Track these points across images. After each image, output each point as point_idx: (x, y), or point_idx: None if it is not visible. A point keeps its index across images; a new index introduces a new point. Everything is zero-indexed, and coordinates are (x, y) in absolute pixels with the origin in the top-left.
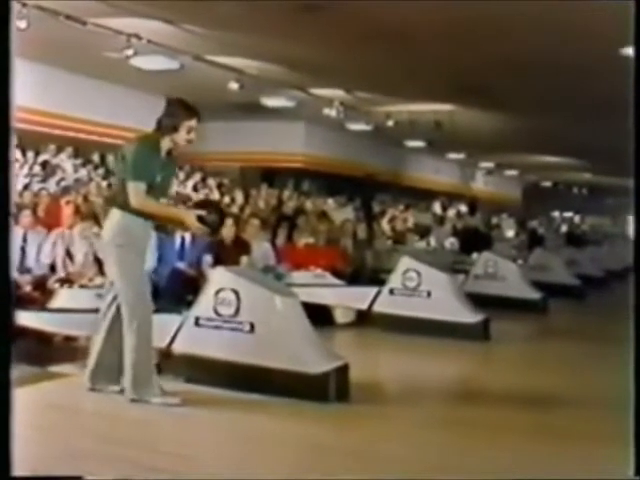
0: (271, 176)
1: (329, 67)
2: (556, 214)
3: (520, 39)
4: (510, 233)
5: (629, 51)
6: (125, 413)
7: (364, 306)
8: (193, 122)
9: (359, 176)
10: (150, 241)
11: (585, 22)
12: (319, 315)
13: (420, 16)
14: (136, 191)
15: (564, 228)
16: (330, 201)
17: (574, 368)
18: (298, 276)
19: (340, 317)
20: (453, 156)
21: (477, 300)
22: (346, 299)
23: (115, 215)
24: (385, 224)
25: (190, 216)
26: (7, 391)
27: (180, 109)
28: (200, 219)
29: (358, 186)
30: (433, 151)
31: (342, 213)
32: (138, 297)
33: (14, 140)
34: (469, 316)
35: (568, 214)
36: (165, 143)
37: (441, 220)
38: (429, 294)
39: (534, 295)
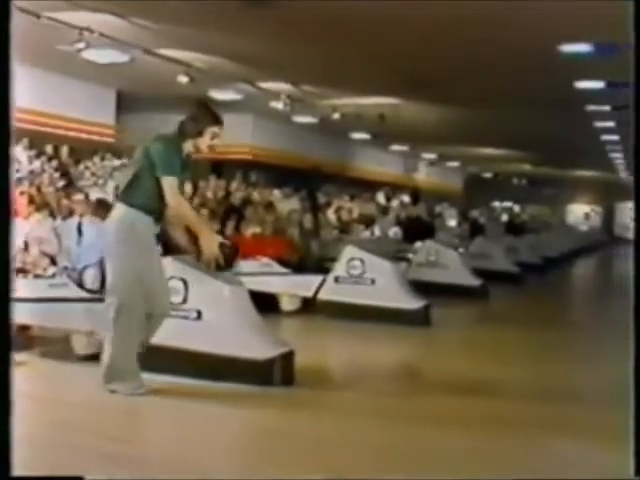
0: (219, 167)
1: (277, 61)
2: (497, 204)
3: (463, 36)
4: (452, 222)
5: (567, 47)
6: (81, 400)
7: (310, 294)
8: (217, 128)
9: (305, 168)
10: (154, 239)
11: (525, 19)
12: (265, 303)
13: (365, 12)
14: (172, 186)
15: (504, 217)
16: (277, 192)
17: (513, 352)
18: (245, 265)
19: (286, 305)
20: (397, 148)
21: (419, 287)
22: (292, 287)
23: (119, 210)
24: (331, 214)
25: (212, 241)
26: (7, 391)
27: (207, 114)
28: (221, 246)
29: (304, 177)
30: (378, 143)
31: (289, 204)
32: (130, 295)
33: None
34: (411, 302)
35: (508, 204)
36: (187, 146)
37: (385, 210)
38: (373, 281)
39: (475, 282)
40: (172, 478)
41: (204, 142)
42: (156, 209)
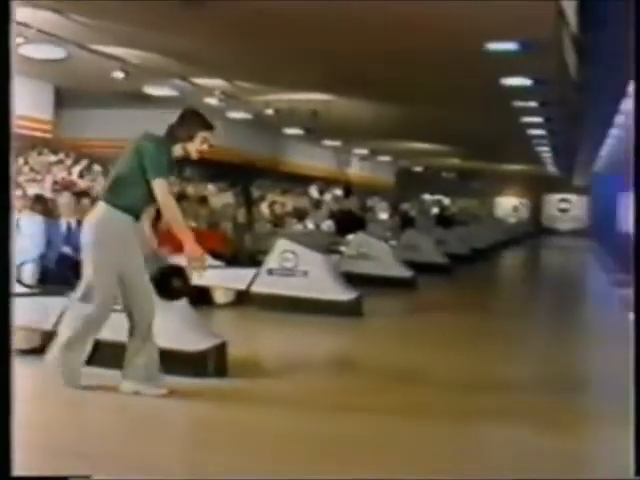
0: None
1: (211, 58)
2: (427, 197)
3: (393, 34)
4: (383, 215)
5: (493, 46)
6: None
7: (243, 286)
8: (208, 134)
9: (240, 162)
10: (135, 238)
11: (452, 18)
12: (199, 296)
13: (298, 10)
14: (163, 188)
15: (434, 210)
16: (211, 187)
17: (443, 340)
18: (178, 259)
19: (220, 298)
20: (330, 143)
21: (351, 279)
22: (225, 280)
23: (100, 210)
24: (264, 208)
25: (196, 248)
26: (7, 391)
27: (199, 120)
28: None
29: (239, 172)
30: (311, 138)
31: (222, 198)
32: (105, 305)
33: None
34: (343, 294)
35: (438, 197)
36: (176, 149)
37: (318, 204)
38: (305, 274)
39: (405, 273)
40: (173, 478)
41: (194, 146)
42: (140, 210)
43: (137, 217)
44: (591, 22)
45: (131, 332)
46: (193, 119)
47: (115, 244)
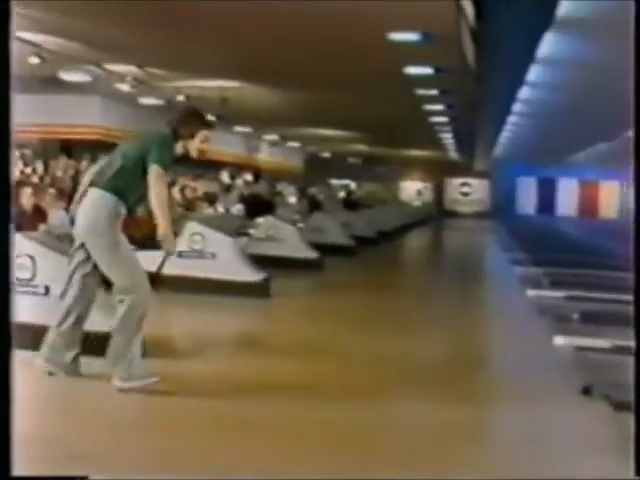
0: (69, 148)
1: (123, 44)
2: (334, 182)
3: (299, 22)
4: (292, 199)
5: (395, 36)
6: None
7: (154, 269)
8: (208, 132)
9: None
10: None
11: (356, 9)
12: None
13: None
14: (159, 174)
15: (342, 194)
16: None
17: (349, 318)
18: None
19: None
20: (240, 129)
21: (260, 261)
22: None
23: (97, 197)
24: (176, 193)
25: (172, 238)
26: (7, 391)
27: (199, 118)
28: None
29: None
30: (221, 124)
31: None
32: (140, 285)
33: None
34: (251, 275)
35: (345, 182)
36: (177, 147)
37: (228, 188)
38: (214, 256)
39: (312, 254)
40: (175, 478)
41: (194, 144)
42: (134, 203)
43: (130, 211)
44: (487, 14)
45: None
46: (194, 117)
47: (117, 229)
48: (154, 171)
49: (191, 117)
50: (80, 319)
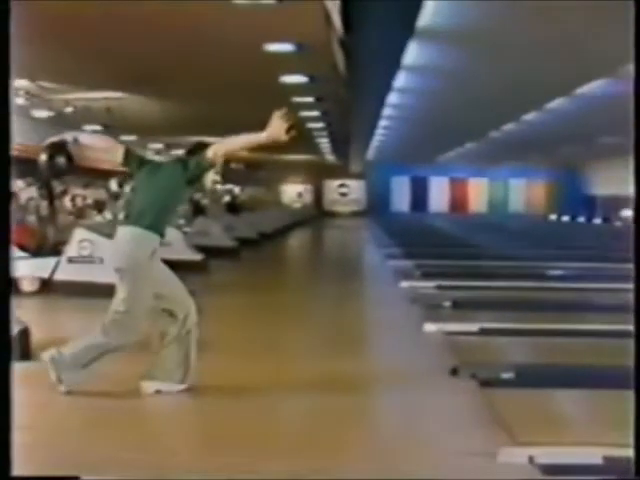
0: None
1: (14, 59)
2: (219, 186)
3: (177, 35)
4: None
5: (271, 46)
6: None
7: (46, 275)
8: None
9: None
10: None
11: (231, 20)
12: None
13: (91, 12)
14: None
15: (226, 198)
16: (20, 182)
17: (233, 315)
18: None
19: (26, 286)
20: (125, 138)
21: None
22: (30, 269)
23: (133, 233)
24: (67, 201)
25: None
26: (7, 391)
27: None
28: None
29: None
30: (109, 134)
31: (27, 192)
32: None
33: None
34: None
35: (229, 186)
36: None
37: (116, 196)
38: (102, 260)
39: (196, 257)
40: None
41: (209, 176)
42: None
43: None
44: (354, 25)
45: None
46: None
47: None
48: (211, 150)
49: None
50: None
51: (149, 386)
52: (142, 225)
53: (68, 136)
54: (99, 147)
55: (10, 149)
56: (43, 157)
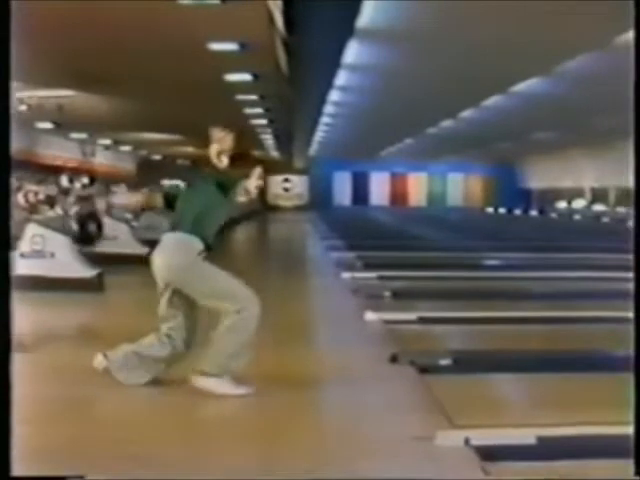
0: None
1: None
2: (166, 182)
3: (125, 35)
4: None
5: (215, 45)
6: None
7: None
8: (261, 169)
9: None
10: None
11: (175, 21)
12: None
13: (43, 11)
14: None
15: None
16: None
17: None
18: None
19: None
20: (76, 135)
21: (95, 258)
22: None
23: (181, 239)
24: (20, 197)
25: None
26: (7, 391)
27: (250, 160)
28: None
29: None
30: (60, 131)
31: None
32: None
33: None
34: (86, 271)
35: (176, 182)
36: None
37: (67, 191)
38: (53, 255)
39: (142, 250)
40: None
41: (252, 183)
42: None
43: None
44: (296, 25)
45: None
46: (245, 159)
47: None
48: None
49: (243, 160)
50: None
51: (198, 380)
52: (186, 231)
53: None
54: None
55: (10, 149)
56: None
